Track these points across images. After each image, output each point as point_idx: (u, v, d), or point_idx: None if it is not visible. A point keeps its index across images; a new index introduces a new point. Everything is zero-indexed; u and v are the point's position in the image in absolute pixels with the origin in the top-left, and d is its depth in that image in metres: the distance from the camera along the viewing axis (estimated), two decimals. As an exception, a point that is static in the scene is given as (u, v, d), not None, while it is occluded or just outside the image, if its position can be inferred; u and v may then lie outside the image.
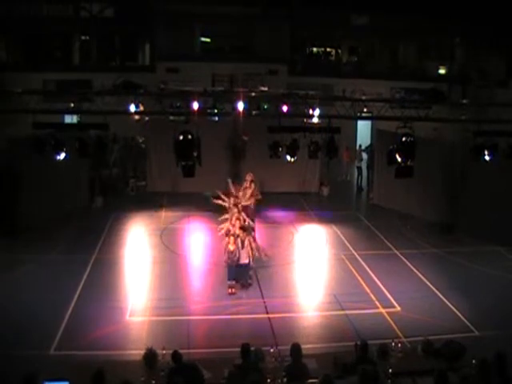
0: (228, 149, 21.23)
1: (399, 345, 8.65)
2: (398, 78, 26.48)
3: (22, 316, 11.49)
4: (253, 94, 14.55)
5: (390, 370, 7.76)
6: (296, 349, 7.91)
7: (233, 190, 14.69)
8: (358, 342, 8.27)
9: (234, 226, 13.71)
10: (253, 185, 15.28)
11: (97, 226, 17.17)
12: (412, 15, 25.23)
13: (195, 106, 12.81)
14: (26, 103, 12.40)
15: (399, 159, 12.86)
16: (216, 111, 15.53)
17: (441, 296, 13.26)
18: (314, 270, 15.04)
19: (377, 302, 12.95)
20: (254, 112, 14.00)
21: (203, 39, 28.22)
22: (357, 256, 15.90)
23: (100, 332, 11.22)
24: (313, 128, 13.88)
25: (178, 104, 14.03)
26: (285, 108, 14.04)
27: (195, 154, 12.02)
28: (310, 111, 14.03)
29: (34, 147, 12.41)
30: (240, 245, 13.27)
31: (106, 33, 26.98)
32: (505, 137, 13.24)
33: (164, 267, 15.00)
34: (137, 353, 8.97)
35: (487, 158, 13.22)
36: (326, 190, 22.49)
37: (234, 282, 13.24)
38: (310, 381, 7.56)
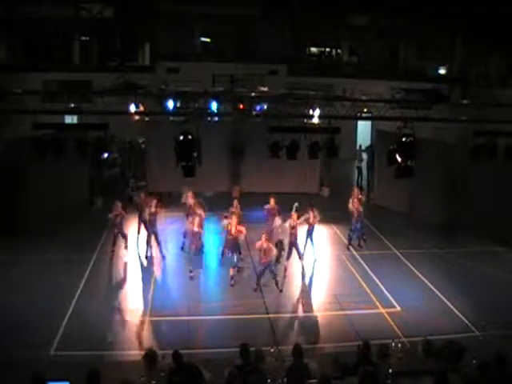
0: (228, 149, 21.26)
1: (399, 345, 8.66)
2: (398, 78, 26.46)
3: (22, 316, 11.48)
4: (253, 94, 14.56)
5: (390, 370, 7.75)
6: (297, 350, 7.90)
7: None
8: (361, 343, 8.26)
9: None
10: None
11: (97, 226, 17.16)
12: (412, 15, 25.22)
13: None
14: (26, 104, 12.39)
15: (399, 159, 12.89)
16: (216, 111, 15.56)
17: (441, 296, 13.28)
18: (314, 270, 15.04)
19: (377, 302, 12.96)
20: (254, 112, 13.99)
21: (203, 39, 28.21)
22: (357, 256, 15.91)
23: (100, 332, 11.21)
24: (313, 128, 13.88)
25: (178, 104, 14.02)
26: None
27: (195, 154, 12.04)
28: (310, 111, 14.02)
29: (34, 148, 12.40)
30: None
31: (106, 33, 26.94)
32: (504, 137, 13.26)
33: (164, 267, 15.02)
34: (137, 353, 8.98)
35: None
36: (326, 191, 22.49)
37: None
38: (311, 381, 7.56)
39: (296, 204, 14.95)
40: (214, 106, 15.20)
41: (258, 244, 13.25)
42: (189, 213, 15.47)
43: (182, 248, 15.91)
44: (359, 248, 16.25)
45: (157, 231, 15.45)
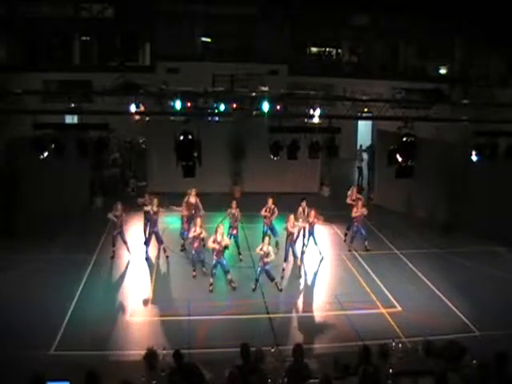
0: (228, 149, 21.27)
1: (400, 345, 8.65)
2: (398, 78, 26.46)
3: (22, 316, 11.49)
4: (253, 94, 14.54)
5: (391, 370, 7.75)
6: (298, 350, 7.89)
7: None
8: (361, 344, 8.26)
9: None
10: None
11: (97, 226, 17.16)
12: (412, 15, 25.23)
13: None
14: (26, 104, 12.39)
15: (400, 159, 12.88)
16: (216, 111, 15.55)
17: (441, 296, 13.28)
18: (314, 270, 15.04)
19: (377, 302, 12.96)
20: (254, 112, 13.97)
21: (204, 39, 28.20)
22: (357, 256, 15.90)
23: (100, 332, 11.21)
24: (313, 128, 13.87)
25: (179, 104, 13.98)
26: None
27: (195, 154, 12.03)
28: (311, 111, 14.01)
29: (35, 148, 12.40)
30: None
31: (106, 33, 26.96)
32: (505, 137, 13.25)
33: (164, 267, 15.02)
34: (137, 353, 8.97)
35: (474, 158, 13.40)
36: (326, 190, 22.49)
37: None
38: (311, 381, 7.55)
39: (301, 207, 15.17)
40: (222, 106, 15.27)
41: (259, 248, 13.27)
42: (190, 212, 15.52)
43: (182, 250, 15.90)
44: (367, 250, 16.15)
45: (158, 231, 15.45)
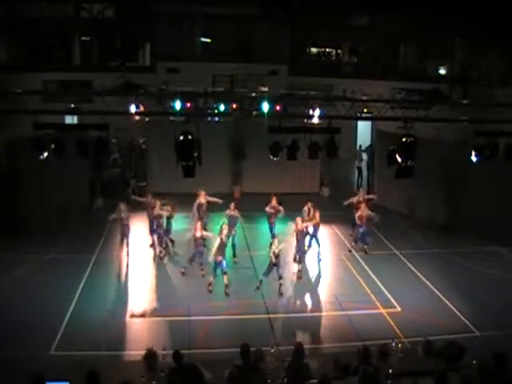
0: (228, 149, 21.28)
1: (399, 345, 8.66)
2: (398, 79, 26.46)
3: (23, 316, 11.49)
4: (253, 94, 14.54)
5: (391, 371, 7.76)
6: (299, 349, 7.89)
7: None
8: (361, 346, 8.26)
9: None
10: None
11: (97, 226, 17.16)
12: (412, 15, 25.24)
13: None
14: (26, 104, 12.40)
15: (399, 159, 12.89)
16: (216, 112, 15.56)
17: (441, 296, 13.28)
18: (314, 271, 15.04)
19: (377, 303, 12.96)
20: (254, 112, 13.97)
21: (203, 39, 28.21)
22: (357, 256, 15.90)
23: (100, 332, 11.21)
24: (313, 128, 13.88)
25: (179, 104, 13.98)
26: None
27: (195, 154, 12.05)
28: (311, 111, 14.01)
29: (35, 148, 12.41)
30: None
31: (106, 33, 26.98)
32: (505, 137, 13.26)
33: (164, 267, 15.02)
34: (137, 353, 8.98)
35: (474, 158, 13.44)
36: (326, 191, 22.49)
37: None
38: (311, 381, 7.56)
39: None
40: (222, 107, 15.29)
41: (274, 247, 13.25)
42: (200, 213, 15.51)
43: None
44: (364, 253, 16.11)
45: (161, 232, 15.43)
